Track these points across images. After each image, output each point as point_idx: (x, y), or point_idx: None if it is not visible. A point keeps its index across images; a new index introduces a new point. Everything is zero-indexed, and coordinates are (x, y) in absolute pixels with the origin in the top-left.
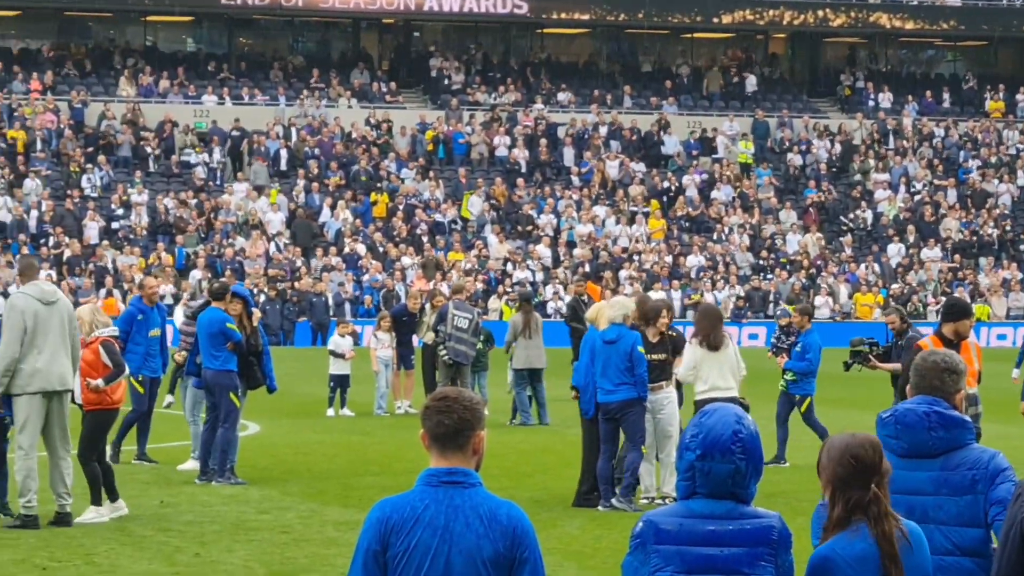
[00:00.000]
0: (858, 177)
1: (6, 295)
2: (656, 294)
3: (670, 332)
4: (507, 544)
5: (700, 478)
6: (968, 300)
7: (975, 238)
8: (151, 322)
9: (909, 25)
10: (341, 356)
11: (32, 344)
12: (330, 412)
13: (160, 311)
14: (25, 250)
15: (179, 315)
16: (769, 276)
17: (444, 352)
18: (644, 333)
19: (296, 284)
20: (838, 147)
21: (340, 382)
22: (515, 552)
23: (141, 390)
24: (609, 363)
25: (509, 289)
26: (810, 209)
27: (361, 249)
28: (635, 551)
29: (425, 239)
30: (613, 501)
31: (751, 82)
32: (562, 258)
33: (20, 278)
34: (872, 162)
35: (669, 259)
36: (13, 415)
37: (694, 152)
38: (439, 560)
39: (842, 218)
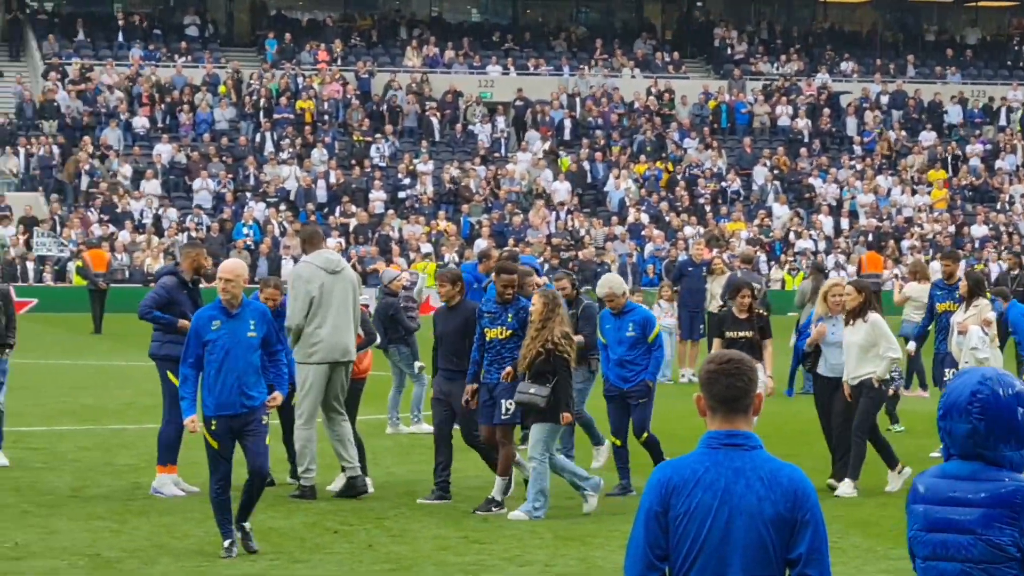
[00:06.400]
0: None
1: (296, 264)
2: (937, 264)
3: (758, 311)
4: (788, 506)
5: (946, 439)
6: None
7: None
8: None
9: None
10: None
11: (316, 314)
12: None
13: None
14: (313, 219)
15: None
16: None
17: None
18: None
19: (580, 254)
20: None
21: None
22: (796, 514)
23: None
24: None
25: (791, 258)
26: None
27: (644, 218)
28: (907, 511)
29: (708, 208)
30: None
31: None
32: (843, 227)
33: (305, 246)
34: None
35: (952, 229)
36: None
37: (977, 121)
38: (720, 521)
39: None
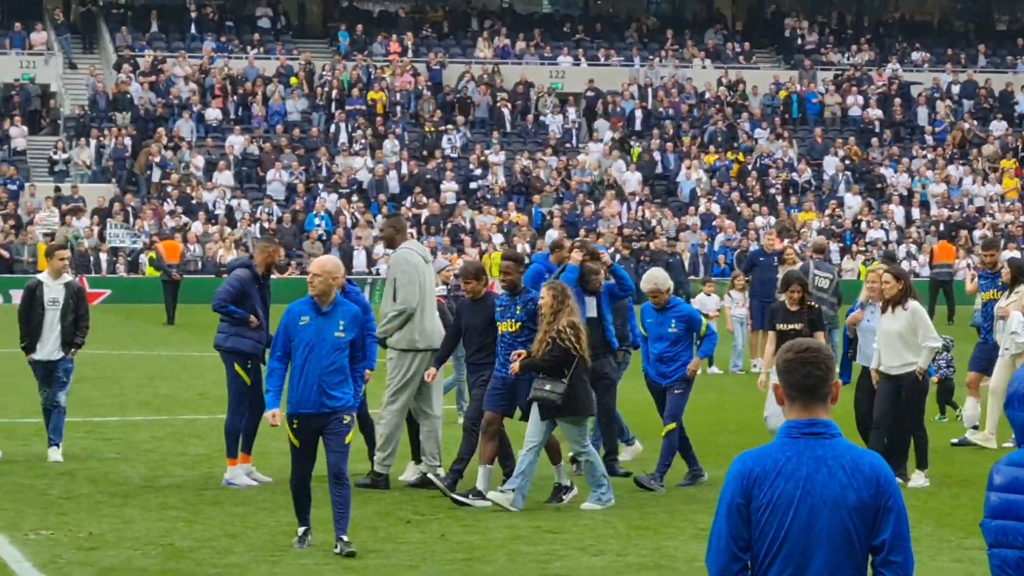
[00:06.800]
0: None
1: (369, 254)
2: (1011, 254)
3: (809, 303)
4: (871, 493)
5: (1013, 427)
6: None
7: None
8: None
9: None
10: (705, 315)
11: (419, 300)
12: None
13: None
14: (385, 210)
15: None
16: None
17: None
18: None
19: (651, 244)
20: None
21: None
22: (879, 501)
23: None
24: None
25: (863, 248)
26: None
27: (716, 209)
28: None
29: (779, 199)
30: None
31: None
32: (915, 217)
33: (398, 235)
34: None
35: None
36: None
37: None
38: (803, 511)
39: None
